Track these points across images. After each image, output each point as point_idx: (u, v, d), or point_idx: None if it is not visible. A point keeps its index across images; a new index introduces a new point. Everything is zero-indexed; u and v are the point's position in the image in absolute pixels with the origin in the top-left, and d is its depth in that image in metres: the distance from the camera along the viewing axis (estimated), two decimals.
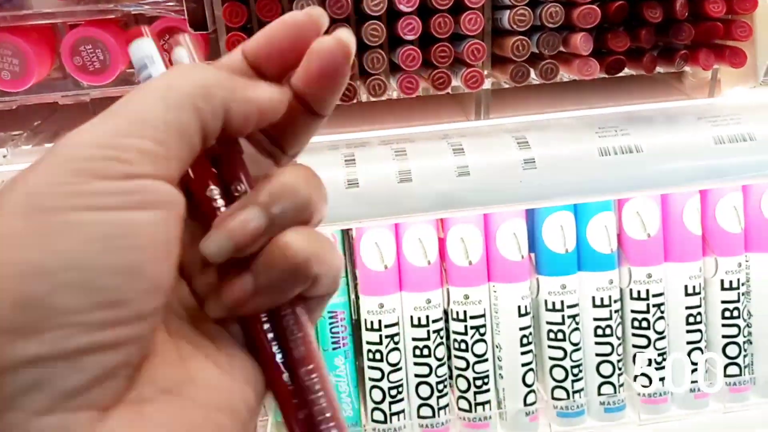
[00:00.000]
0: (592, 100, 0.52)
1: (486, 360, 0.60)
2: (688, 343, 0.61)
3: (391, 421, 0.60)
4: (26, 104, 0.46)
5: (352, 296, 0.60)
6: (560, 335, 0.60)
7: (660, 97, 0.53)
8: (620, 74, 0.49)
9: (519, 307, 0.59)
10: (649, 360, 0.61)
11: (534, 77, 0.46)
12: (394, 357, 0.59)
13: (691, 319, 0.61)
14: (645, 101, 0.52)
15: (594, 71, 0.44)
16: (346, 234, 0.60)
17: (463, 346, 0.59)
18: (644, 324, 0.61)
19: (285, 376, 0.20)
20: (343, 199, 0.43)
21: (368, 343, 0.59)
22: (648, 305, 0.60)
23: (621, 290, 0.61)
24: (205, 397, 0.19)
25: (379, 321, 0.58)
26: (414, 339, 0.59)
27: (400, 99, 0.49)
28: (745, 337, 0.62)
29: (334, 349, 0.59)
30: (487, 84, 0.48)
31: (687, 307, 0.61)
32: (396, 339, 0.59)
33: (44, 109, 0.52)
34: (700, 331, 0.61)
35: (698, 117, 0.48)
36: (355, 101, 0.45)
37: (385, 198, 0.44)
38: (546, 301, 0.60)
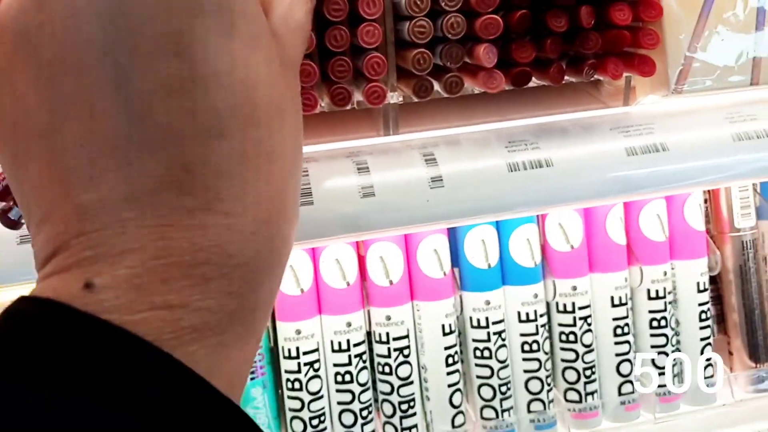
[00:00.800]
0: (504, 111, 0.50)
1: (411, 383, 0.57)
2: (617, 354, 0.60)
3: None
4: None
5: (269, 323, 0.57)
6: (486, 353, 0.58)
7: (574, 105, 0.52)
8: (532, 84, 0.47)
9: (443, 325, 0.57)
10: (578, 374, 0.60)
11: (439, 90, 0.44)
12: (314, 385, 0.56)
13: (619, 331, 0.60)
14: (559, 111, 0.50)
15: (500, 84, 0.42)
16: None
17: (387, 369, 0.57)
18: (571, 337, 0.59)
19: None
20: None
21: (287, 371, 0.56)
22: (574, 318, 0.59)
23: (547, 304, 0.59)
24: None
25: (297, 348, 0.55)
26: (335, 365, 0.56)
27: (304, 114, 0.47)
28: (673, 345, 0.61)
29: (251, 379, 0.56)
30: (394, 98, 0.46)
31: (614, 318, 0.60)
32: (316, 366, 0.56)
33: None
34: (628, 342, 0.60)
35: (610, 128, 0.47)
36: None
37: None
38: (471, 318, 0.58)
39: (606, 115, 0.49)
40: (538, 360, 0.59)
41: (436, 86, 0.44)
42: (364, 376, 0.57)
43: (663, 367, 0.61)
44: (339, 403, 0.56)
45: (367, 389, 0.57)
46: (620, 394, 0.60)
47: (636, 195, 0.45)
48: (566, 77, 0.45)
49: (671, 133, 0.46)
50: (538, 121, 0.48)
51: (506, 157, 0.43)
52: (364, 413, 0.57)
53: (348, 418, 0.56)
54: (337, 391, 0.56)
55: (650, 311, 0.60)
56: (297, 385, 0.55)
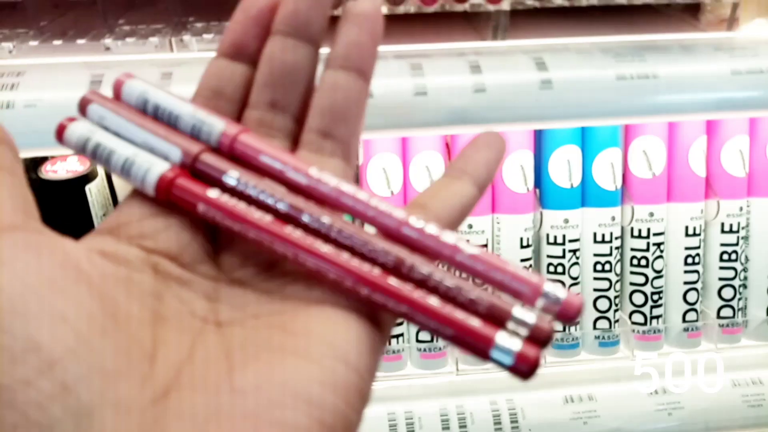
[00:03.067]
0: (609, 31, 0.51)
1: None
2: (685, 283, 0.62)
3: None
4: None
5: None
6: (560, 269, 0.60)
7: (677, 33, 0.52)
8: (639, 3, 0.48)
9: (521, 239, 0.59)
10: (645, 298, 0.62)
11: None
12: None
13: (690, 260, 0.62)
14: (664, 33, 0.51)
15: None
16: None
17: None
18: (643, 262, 0.61)
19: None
20: None
21: None
22: (648, 243, 0.61)
23: (622, 227, 0.61)
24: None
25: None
26: None
27: (416, 16, 0.48)
28: (741, 280, 0.63)
29: None
30: (506, 4, 0.48)
31: (686, 248, 0.61)
32: None
33: (50, 9, 0.50)
34: (697, 272, 0.62)
35: (716, 48, 0.47)
36: None
37: (397, 109, 0.43)
38: (548, 235, 0.60)
39: (710, 38, 0.50)
40: (609, 280, 0.61)
41: None
42: None
43: (729, 300, 0.62)
44: None
45: None
46: (684, 320, 0.62)
47: (739, 113, 0.46)
48: None
49: None
50: (642, 38, 0.49)
51: (614, 67, 0.45)
52: None
53: None
54: None
55: (722, 244, 0.62)
56: None
